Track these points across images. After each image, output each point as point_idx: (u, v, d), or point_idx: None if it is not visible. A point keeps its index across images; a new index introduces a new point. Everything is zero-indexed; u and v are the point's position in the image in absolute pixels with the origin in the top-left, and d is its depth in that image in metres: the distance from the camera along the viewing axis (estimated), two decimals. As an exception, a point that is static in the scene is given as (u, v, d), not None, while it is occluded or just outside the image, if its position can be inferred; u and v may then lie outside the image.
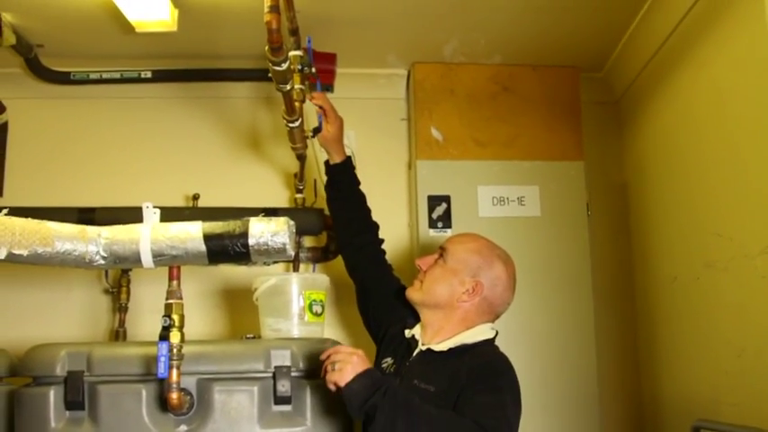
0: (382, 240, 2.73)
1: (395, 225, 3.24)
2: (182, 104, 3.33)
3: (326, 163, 2.74)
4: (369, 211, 2.75)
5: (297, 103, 2.33)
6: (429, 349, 2.25)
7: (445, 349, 2.23)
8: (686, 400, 2.81)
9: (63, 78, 3.21)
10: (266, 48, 1.93)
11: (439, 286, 2.31)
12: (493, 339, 2.30)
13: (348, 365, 1.97)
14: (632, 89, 3.31)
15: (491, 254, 2.34)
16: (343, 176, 2.73)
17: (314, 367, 2.14)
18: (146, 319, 3.08)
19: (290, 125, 2.40)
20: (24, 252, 1.74)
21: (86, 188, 3.20)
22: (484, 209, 3.13)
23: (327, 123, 2.65)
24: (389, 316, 2.50)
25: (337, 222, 2.77)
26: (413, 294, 2.36)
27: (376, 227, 2.74)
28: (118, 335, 3.01)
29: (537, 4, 2.83)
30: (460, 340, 2.24)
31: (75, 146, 3.29)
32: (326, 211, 3.02)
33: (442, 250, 2.38)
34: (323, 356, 2.04)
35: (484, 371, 2.12)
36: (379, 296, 2.59)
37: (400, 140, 3.36)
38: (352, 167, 2.76)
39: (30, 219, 1.78)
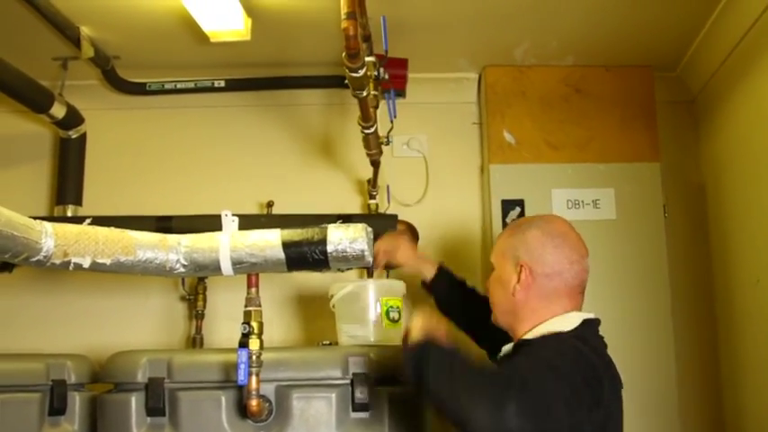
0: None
1: (468, 230, 3.24)
2: (255, 112, 3.36)
3: (423, 284, 2.49)
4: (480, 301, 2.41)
5: (372, 110, 2.32)
6: (500, 357, 2.05)
7: (509, 351, 2.00)
8: (771, 406, 2.74)
9: (139, 89, 3.28)
10: (343, 54, 1.92)
11: (496, 295, 2.05)
12: (576, 330, 1.90)
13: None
14: (708, 87, 3.23)
15: (520, 228, 2.04)
16: (444, 291, 2.47)
17: (392, 374, 2.13)
18: (222, 325, 3.11)
19: (366, 131, 2.40)
20: (107, 261, 1.76)
21: (162, 196, 3.25)
22: (558, 212, 3.06)
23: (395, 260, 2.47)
24: None
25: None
26: (491, 318, 2.10)
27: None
28: (195, 341, 3.04)
29: (609, 2, 2.78)
30: (527, 336, 1.94)
31: (150, 155, 3.36)
32: (399, 217, 3.03)
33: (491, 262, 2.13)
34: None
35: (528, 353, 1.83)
36: None
37: (472, 144, 3.34)
38: (449, 276, 2.49)
39: (112, 228, 1.81)
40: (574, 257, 1.97)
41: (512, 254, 1.99)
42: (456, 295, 2.47)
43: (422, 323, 1.87)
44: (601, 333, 2.01)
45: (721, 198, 3.16)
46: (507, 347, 2.02)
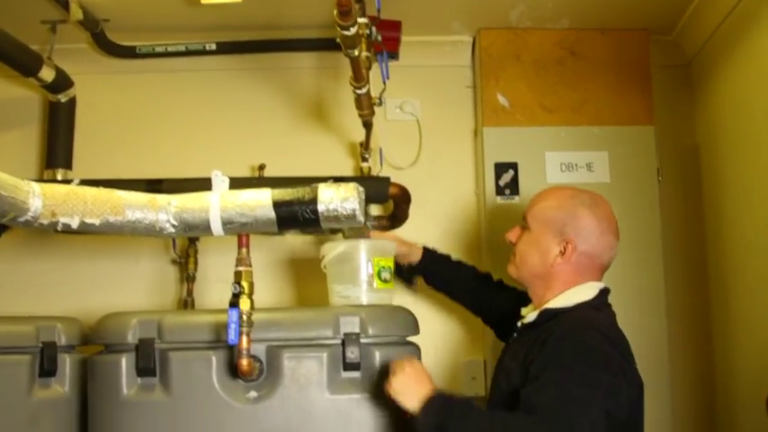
0: (489, 276, 2.68)
1: (461, 193, 3.23)
2: (246, 76, 3.33)
3: (410, 267, 2.66)
4: (475, 275, 2.68)
5: (364, 70, 2.30)
6: (523, 323, 2.17)
7: (533, 319, 2.11)
8: (762, 371, 2.74)
9: (129, 53, 3.25)
10: (335, 12, 1.90)
11: (530, 257, 2.16)
12: (595, 300, 2.09)
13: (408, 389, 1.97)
14: (704, 51, 3.21)
15: (572, 204, 2.13)
16: (431, 271, 2.67)
17: (383, 334, 2.13)
18: (213, 288, 3.11)
19: (358, 91, 2.38)
20: (96, 221, 1.75)
21: (153, 161, 3.23)
22: (552, 175, 3.08)
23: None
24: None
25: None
26: (510, 270, 2.25)
27: (484, 280, 2.67)
28: (186, 304, 3.03)
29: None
30: (550, 305, 2.09)
31: (141, 119, 3.32)
32: (392, 180, 3.02)
33: (524, 218, 2.23)
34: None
35: (557, 342, 1.93)
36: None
37: (466, 108, 3.31)
38: (435, 257, 2.67)
39: (101, 188, 1.80)
40: (613, 243, 2.15)
41: (557, 227, 2.12)
42: (449, 270, 2.67)
43: (414, 383, 1.98)
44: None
45: (715, 161, 3.15)
46: (531, 315, 2.14)
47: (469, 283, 2.65)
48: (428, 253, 2.66)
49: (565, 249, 2.09)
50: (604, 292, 2.13)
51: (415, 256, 2.63)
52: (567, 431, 1.77)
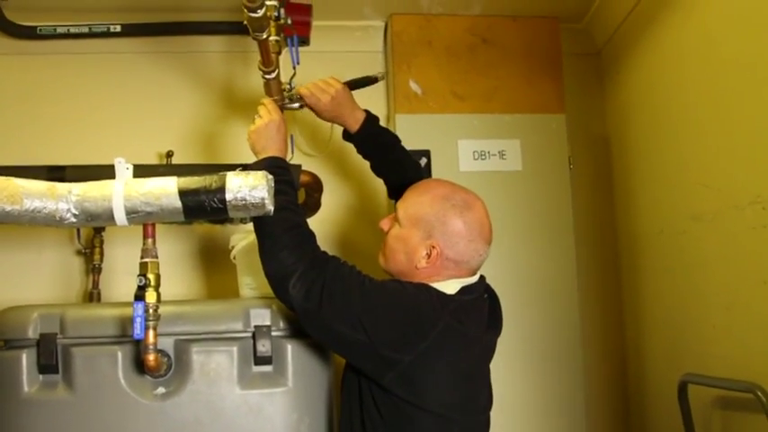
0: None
1: (374, 181, 3.18)
2: (153, 59, 3.22)
3: (345, 134, 2.53)
4: (412, 162, 2.58)
5: (274, 55, 2.25)
6: None
7: None
8: (672, 355, 2.80)
9: (29, 33, 3.10)
10: (242, -7, 1.85)
11: (397, 254, 2.09)
12: (453, 295, 2.01)
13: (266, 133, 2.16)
14: (614, 39, 3.25)
15: (443, 206, 2.05)
16: (372, 143, 2.52)
17: (295, 326, 2.09)
18: (120, 280, 3.01)
19: (267, 77, 2.32)
20: (-9, 210, 1.68)
21: (55, 147, 3.09)
22: (465, 163, 3.08)
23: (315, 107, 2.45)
24: None
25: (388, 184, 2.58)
26: (380, 260, 2.17)
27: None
28: (92, 297, 2.93)
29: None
30: None
31: (42, 104, 3.18)
32: (303, 167, 2.96)
33: (396, 209, 2.16)
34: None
35: None
36: None
37: (378, 94, 3.25)
38: (376, 127, 2.51)
39: (-4, 175, 1.72)
40: (482, 250, 2.07)
41: (425, 228, 2.05)
42: (382, 150, 2.55)
43: (265, 136, 2.17)
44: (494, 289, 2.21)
45: (625, 150, 3.20)
46: None
47: (402, 170, 2.52)
48: (370, 124, 2.50)
49: (430, 253, 2.03)
50: (468, 290, 2.05)
51: (353, 125, 2.47)
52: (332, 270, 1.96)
